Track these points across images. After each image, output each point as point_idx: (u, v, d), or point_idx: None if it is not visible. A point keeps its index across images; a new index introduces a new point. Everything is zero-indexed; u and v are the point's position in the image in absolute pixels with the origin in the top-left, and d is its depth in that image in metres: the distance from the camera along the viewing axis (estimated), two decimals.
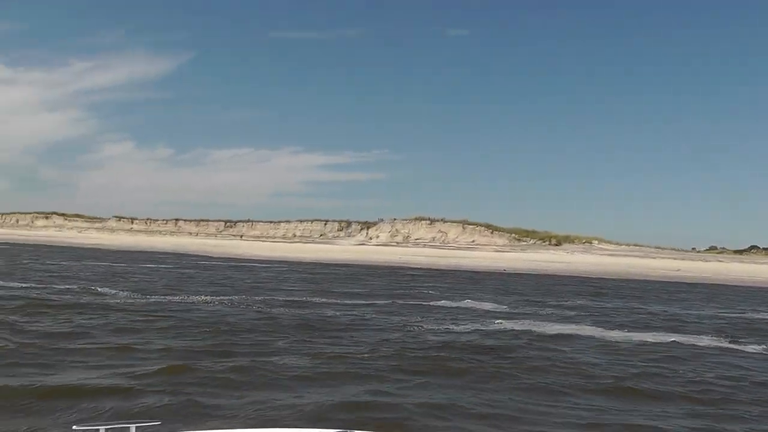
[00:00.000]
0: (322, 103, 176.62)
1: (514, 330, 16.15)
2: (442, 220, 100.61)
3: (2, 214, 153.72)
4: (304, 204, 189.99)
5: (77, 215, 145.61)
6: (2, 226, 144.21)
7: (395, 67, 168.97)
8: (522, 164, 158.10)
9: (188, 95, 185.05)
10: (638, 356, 13.48)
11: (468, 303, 22.86)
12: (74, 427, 2.85)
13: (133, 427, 2.80)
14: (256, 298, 21.66)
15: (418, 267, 55.32)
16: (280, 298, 21.95)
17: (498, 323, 17.38)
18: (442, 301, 23.54)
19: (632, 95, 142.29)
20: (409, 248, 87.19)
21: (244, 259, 57.53)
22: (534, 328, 16.55)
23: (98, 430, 2.80)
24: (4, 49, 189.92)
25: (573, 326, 17.41)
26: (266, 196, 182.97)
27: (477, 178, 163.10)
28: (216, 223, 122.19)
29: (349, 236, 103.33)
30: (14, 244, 74.77)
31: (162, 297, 20.18)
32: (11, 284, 22.61)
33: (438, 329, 15.81)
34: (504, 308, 21.61)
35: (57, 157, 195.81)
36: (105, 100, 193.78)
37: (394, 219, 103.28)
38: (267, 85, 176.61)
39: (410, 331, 15.38)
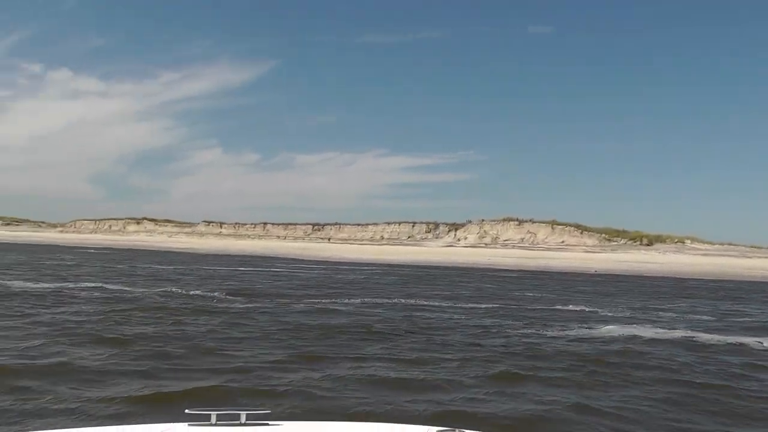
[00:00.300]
0: (406, 105, 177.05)
1: (635, 336, 14.81)
2: (530, 220, 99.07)
3: (96, 220, 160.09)
4: (390, 206, 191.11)
5: (167, 220, 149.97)
6: (96, 232, 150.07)
7: (479, 67, 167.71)
8: (611, 163, 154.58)
9: (274, 101, 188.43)
10: None
11: (571, 307, 21.78)
12: (186, 410, 2.93)
13: (243, 414, 2.89)
14: (359, 300, 21.27)
15: (508, 268, 54.39)
16: (379, 300, 21.52)
17: (609, 328, 16.10)
18: (543, 305, 22.28)
19: (728, 86, 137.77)
20: (497, 249, 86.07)
21: (334, 262, 57.69)
22: (645, 334, 15.18)
23: (209, 414, 2.88)
24: (97, 64, 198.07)
25: (699, 333, 15.77)
26: (353, 199, 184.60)
27: (566, 178, 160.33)
28: (304, 227, 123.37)
29: (437, 238, 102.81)
30: (111, 249, 77.18)
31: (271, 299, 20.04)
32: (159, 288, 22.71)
33: (560, 335, 14.68)
34: (606, 312, 20.46)
35: (148, 164, 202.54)
36: (193, 109, 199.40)
37: (482, 220, 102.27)
38: (352, 89, 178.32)
39: (532, 336, 14.39)
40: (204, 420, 2.87)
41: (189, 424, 2.87)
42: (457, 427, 2.85)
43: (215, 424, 2.85)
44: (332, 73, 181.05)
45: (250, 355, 10.43)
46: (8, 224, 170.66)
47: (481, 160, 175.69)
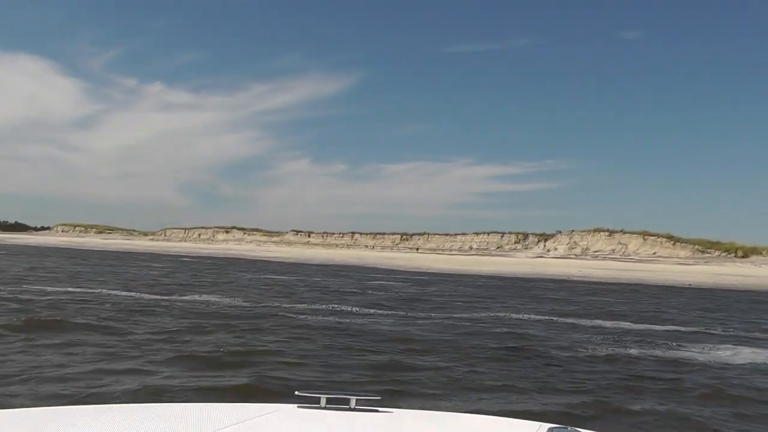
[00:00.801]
0: (493, 114, 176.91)
1: None
2: (621, 231, 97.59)
3: (186, 228, 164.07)
4: (477, 215, 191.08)
5: (256, 229, 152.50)
6: (186, 240, 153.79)
7: (566, 75, 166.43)
8: (704, 171, 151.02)
9: (362, 112, 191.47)
10: None
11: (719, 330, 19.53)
12: (296, 392, 2.94)
13: (353, 399, 2.87)
14: (492, 314, 20.95)
15: (601, 281, 54.08)
16: (514, 315, 21.27)
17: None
18: (678, 325, 20.61)
19: None
20: (588, 261, 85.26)
21: (422, 272, 58.51)
22: None
23: (319, 397, 2.88)
24: (189, 78, 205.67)
25: None
26: (440, 209, 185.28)
27: (657, 187, 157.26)
28: (392, 236, 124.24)
29: (526, 249, 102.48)
30: (203, 257, 79.43)
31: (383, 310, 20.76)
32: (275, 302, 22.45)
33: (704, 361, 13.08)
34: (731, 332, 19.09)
35: (236, 174, 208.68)
36: (282, 120, 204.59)
37: (572, 231, 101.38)
38: (439, 99, 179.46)
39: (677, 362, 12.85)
40: (314, 402, 2.88)
41: (298, 406, 2.88)
42: (570, 426, 2.71)
43: (324, 408, 2.85)
44: (419, 83, 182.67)
45: None
46: (101, 233, 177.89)
47: (567, 169, 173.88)
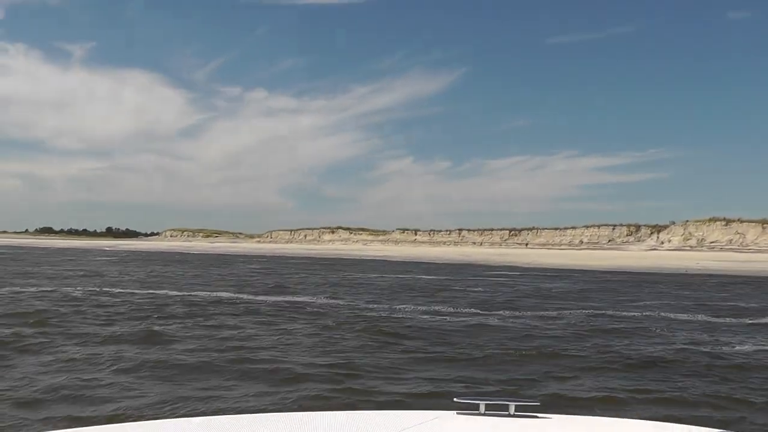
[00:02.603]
0: (594, 105, 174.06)
1: None
2: (738, 220, 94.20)
3: (292, 230, 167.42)
4: (584, 208, 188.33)
5: (362, 228, 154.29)
6: (292, 242, 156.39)
7: (668, 61, 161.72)
8: None
9: (463, 108, 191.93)
10: None
11: None
12: (455, 399, 2.94)
13: (512, 405, 2.85)
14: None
15: (721, 273, 52.83)
16: (666, 314, 20.30)
17: None
18: None
19: None
20: (704, 252, 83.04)
21: (533, 268, 58.38)
22: None
23: (478, 404, 2.87)
24: (290, 83, 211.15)
25: None
26: (546, 202, 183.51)
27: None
28: (500, 232, 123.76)
29: (638, 241, 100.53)
30: (313, 258, 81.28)
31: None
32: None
33: None
34: None
35: (339, 175, 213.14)
36: (385, 120, 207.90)
37: (686, 221, 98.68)
38: (541, 91, 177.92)
39: None
40: (473, 409, 2.86)
41: (457, 413, 2.88)
42: None
43: (483, 414, 2.83)
44: (521, 76, 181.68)
45: None
46: (208, 236, 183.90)
47: (675, 157, 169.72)
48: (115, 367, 10.26)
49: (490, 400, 2.88)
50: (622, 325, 17.33)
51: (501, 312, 20.16)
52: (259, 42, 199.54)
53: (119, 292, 24.08)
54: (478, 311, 20.28)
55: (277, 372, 10.27)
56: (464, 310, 20.62)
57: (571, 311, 20.91)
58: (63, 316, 16.52)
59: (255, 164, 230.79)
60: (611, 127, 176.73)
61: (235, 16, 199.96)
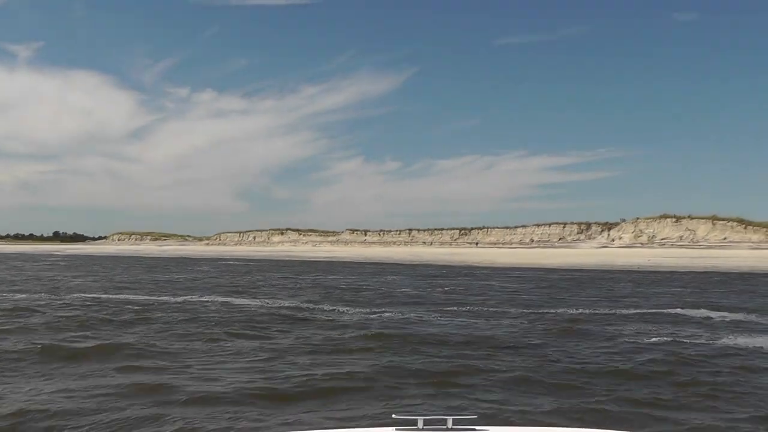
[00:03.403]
0: (542, 105, 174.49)
1: None
2: (688, 216, 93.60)
3: (241, 232, 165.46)
4: (535, 208, 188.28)
5: (311, 230, 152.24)
6: (241, 243, 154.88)
7: (618, 62, 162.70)
8: None
9: (413, 109, 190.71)
10: None
11: None
12: (393, 415, 2.99)
13: (450, 419, 2.87)
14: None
15: (674, 270, 51.66)
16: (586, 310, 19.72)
17: None
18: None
19: None
20: (655, 249, 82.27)
21: (496, 268, 56.79)
22: None
23: (416, 420, 2.88)
24: (239, 84, 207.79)
25: None
26: (496, 202, 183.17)
27: (723, 169, 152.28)
28: (450, 232, 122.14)
29: (589, 239, 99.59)
30: (260, 260, 78.96)
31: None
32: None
33: None
34: None
35: (290, 177, 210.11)
36: (334, 121, 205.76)
37: (637, 218, 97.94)
38: (489, 92, 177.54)
39: None
40: (410, 425, 2.90)
41: (396, 429, 2.91)
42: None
43: (422, 429, 2.87)
44: (470, 77, 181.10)
45: None
46: (156, 239, 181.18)
47: (622, 156, 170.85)
48: None
49: (428, 416, 2.89)
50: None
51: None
52: (208, 42, 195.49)
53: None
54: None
55: None
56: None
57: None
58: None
59: (204, 166, 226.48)
60: (560, 127, 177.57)
61: (184, 16, 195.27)
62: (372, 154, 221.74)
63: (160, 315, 17.26)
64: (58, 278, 36.20)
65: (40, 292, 24.88)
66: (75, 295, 23.81)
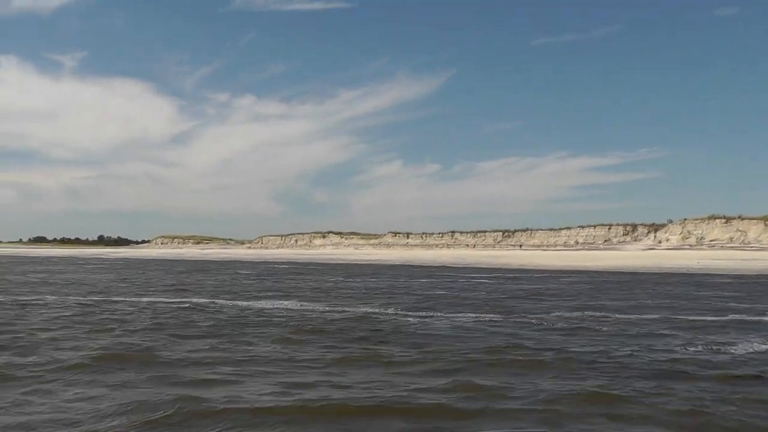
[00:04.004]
0: (584, 105, 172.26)
1: None
2: (739, 217, 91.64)
3: (283, 235, 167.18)
4: (578, 208, 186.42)
5: (353, 233, 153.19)
6: (283, 247, 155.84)
7: (657, 60, 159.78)
8: None
9: (451, 111, 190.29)
10: None
11: None
12: None
13: None
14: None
15: (727, 273, 50.09)
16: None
17: None
18: None
19: None
20: (705, 251, 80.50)
21: (537, 270, 55.78)
22: None
23: None
24: (279, 89, 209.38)
25: None
26: (538, 204, 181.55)
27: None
28: (493, 234, 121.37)
29: (635, 240, 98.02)
30: (298, 263, 78.45)
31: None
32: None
33: None
34: None
35: (329, 180, 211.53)
36: (373, 125, 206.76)
37: (684, 219, 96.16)
38: (528, 93, 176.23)
39: None
40: None
41: None
42: None
43: None
44: (508, 78, 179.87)
45: None
46: (198, 243, 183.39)
47: (664, 156, 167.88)
48: None
49: None
50: None
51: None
52: (247, 48, 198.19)
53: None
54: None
55: None
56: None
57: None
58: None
59: (245, 170, 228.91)
60: (601, 127, 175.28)
61: (223, 23, 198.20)
62: (411, 157, 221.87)
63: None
64: (187, 280, 36.27)
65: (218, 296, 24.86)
66: (223, 301, 23.74)
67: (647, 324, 16.96)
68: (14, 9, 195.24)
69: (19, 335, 13.97)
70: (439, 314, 19.03)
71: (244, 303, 22.40)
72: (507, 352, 12.33)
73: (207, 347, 12.57)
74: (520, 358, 11.67)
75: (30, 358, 11.17)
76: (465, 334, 14.83)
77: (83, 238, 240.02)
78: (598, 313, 19.47)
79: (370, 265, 71.09)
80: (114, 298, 24.16)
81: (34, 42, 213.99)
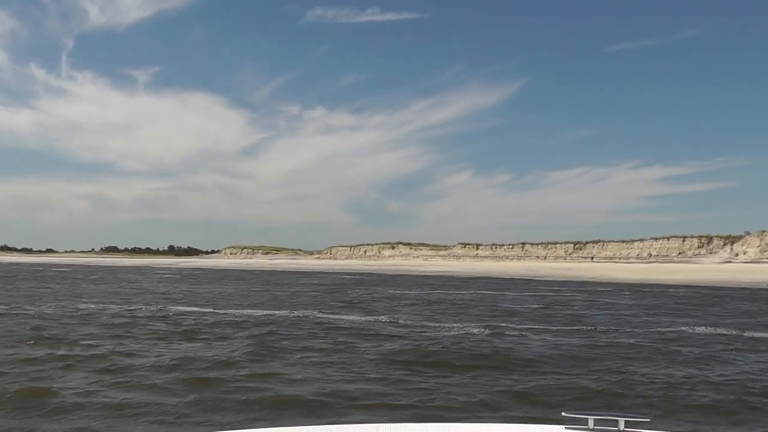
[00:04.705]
0: (656, 113, 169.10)
1: None
2: None
3: (351, 246, 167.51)
4: (650, 220, 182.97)
5: (422, 244, 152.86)
6: (352, 257, 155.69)
7: (733, 65, 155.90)
8: None
9: (523, 120, 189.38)
10: None
11: None
12: (563, 413, 2.88)
13: (622, 421, 2.77)
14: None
15: None
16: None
17: None
18: None
19: None
20: None
21: (604, 283, 55.57)
22: None
23: (586, 419, 2.81)
24: (350, 100, 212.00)
25: None
26: (610, 215, 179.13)
27: None
28: (564, 246, 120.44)
29: (710, 253, 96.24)
30: (371, 273, 79.41)
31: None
32: None
33: None
34: None
35: (400, 190, 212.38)
36: (444, 134, 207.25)
37: (763, 231, 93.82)
38: (601, 101, 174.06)
39: None
40: (581, 424, 2.82)
41: (566, 427, 2.84)
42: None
43: (592, 429, 2.78)
44: (580, 86, 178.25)
45: None
46: (267, 253, 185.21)
47: (741, 165, 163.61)
48: None
49: (599, 416, 2.81)
50: None
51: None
52: (319, 61, 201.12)
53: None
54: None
55: None
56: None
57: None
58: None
59: (314, 181, 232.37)
60: (674, 136, 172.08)
61: (296, 36, 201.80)
62: (482, 166, 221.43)
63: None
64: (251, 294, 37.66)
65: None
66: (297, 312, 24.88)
67: None
68: (91, 26, 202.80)
69: None
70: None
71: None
72: None
73: None
74: None
75: None
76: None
77: (153, 247, 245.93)
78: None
79: (437, 276, 71.51)
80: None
81: (108, 57, 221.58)
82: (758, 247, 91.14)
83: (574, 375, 11.94)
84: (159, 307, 26.33)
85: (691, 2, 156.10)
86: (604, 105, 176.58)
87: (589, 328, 20.31)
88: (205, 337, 16.94)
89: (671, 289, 47.88)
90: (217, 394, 9.90)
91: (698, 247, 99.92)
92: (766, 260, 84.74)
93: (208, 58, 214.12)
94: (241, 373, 11.60)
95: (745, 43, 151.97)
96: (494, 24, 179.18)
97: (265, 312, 24.70)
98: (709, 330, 19.84)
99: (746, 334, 19.42)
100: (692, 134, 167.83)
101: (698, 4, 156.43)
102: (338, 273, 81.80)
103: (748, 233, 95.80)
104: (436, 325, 20.74)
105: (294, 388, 10.38)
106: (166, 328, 18.74)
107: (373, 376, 11.60)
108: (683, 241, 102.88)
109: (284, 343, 15.66)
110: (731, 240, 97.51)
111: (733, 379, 11.69)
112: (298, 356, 13.69)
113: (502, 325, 20.55)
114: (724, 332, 19.62)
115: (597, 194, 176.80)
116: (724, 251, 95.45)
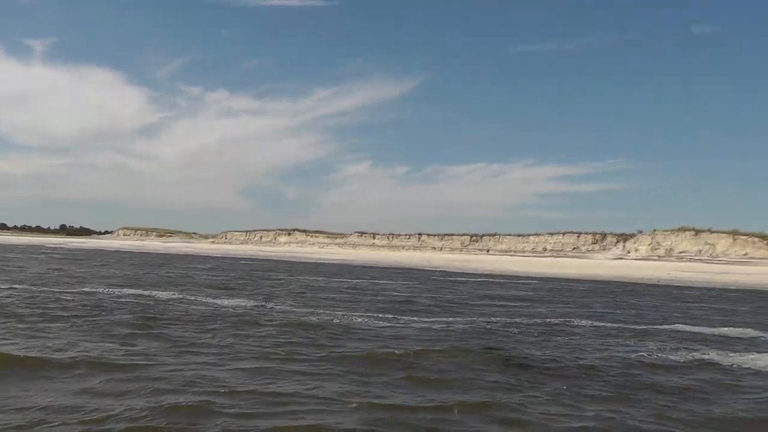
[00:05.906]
0: (553, 114, 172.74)
1: None
2: (708, 230, 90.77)
3: (247, 231, 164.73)
4: (544, 216, 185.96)
5: (318, 231, 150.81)
6: (247, 243, 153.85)
7: (629, 73, 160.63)
8: None
9: (423, 115, 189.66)
10: None
11: None
12: None
13: None
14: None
15: (695, 285, 48.81)
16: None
17: None
18: None
19: None
20: (674, 263, 79.62)
21: (516, 277, 54.12)
22: None
23: None
24: (252, 84, 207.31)
25: None
26: (506, 210, 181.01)
27: (745, 183, 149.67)
28: (461, 237, 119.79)
29: (604, 250, 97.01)
30: (264, 259, 76.67)
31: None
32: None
33: None
34: None
35: (299, 178, 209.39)
36: (345, 124, 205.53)
37: (654, 230, 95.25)
38: (501, 100, 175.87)
39: None
40: None
41: None
42: None
43: None
44: (481, 84, 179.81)
45: None
46: (161, 236, 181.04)
47: (631, 169, 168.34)
48: None
49: None
50: None
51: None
52: (223, 43, 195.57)
53: None
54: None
55: None
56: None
57: None
58: None
59: (213, 164, 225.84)
60: (569, 137, 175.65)
61: (200, 17, 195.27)
62: (382, 158, 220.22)
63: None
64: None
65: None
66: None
67: None
68: None
69: None
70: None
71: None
72: None
73: None
74: None
75: None
76: None
77: (44, 226, 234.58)
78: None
79: (332, 264, 69.17)
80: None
81: (7, 26, 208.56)
82: (649, 245, 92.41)
83: None
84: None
85: (597, 9, 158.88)
86: (505, 104, 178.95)
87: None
88: None
89: (563, 282, 46.92)
90: None
91: (592, 243, 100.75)
92: (655, 258, 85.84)
93: (109, 33, 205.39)
94: None
95: (638, 54, 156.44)
96: (399, 18, 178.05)
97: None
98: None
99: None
100: (587, 136, 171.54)
101: (605, 11, 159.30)
102: (234, 258, 78.33)
103: (640, 232, 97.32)
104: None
105: None
106: None
107: None
108: (578, 236, 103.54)
109: None
110: (624, 238, 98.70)
111: None
112: None
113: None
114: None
115: (494, 189, 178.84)
116: (617, 248, 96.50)
